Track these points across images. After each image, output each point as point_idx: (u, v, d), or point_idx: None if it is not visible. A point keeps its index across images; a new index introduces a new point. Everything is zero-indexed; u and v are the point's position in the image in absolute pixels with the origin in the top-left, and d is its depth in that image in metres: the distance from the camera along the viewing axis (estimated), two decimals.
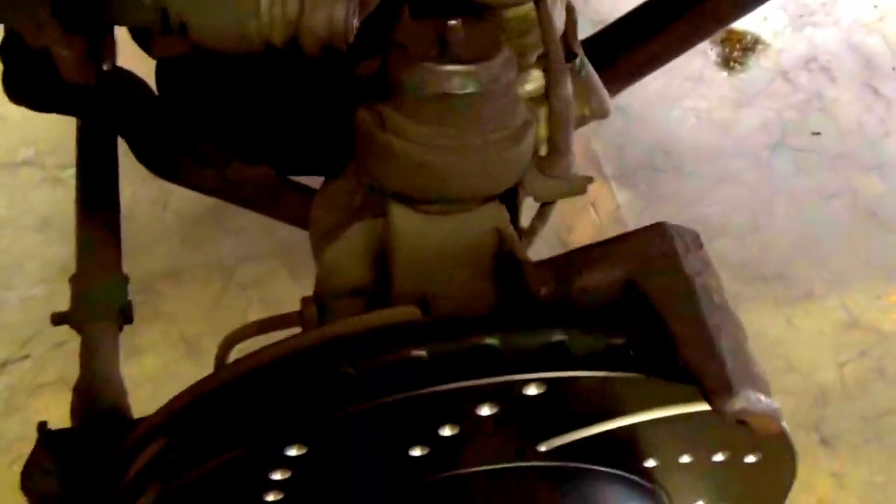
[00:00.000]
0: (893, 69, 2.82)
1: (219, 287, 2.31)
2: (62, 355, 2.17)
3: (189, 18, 0.83)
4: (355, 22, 0.84)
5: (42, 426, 1.06)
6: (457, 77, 0.84)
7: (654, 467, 0.87)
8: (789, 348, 2.17)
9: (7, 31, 1.08)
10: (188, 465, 0.78)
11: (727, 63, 2.87)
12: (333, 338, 0.80)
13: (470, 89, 0.84)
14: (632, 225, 2.37)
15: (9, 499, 1.94)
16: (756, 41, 2.90)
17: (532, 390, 0.74)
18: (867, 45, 2.90)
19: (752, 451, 0.88)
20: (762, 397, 0.72)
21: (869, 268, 2.35)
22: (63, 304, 2.31)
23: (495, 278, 0.91)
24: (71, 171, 2.60)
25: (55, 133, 2.63)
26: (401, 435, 0.77)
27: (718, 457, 0.88)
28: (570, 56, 1.04)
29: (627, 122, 2.59)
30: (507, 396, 0.75)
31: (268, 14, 0.82)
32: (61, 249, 2.40)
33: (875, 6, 2.94)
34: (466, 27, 0.84)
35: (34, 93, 1.17)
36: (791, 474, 0.94)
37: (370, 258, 0.97)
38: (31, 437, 2.03)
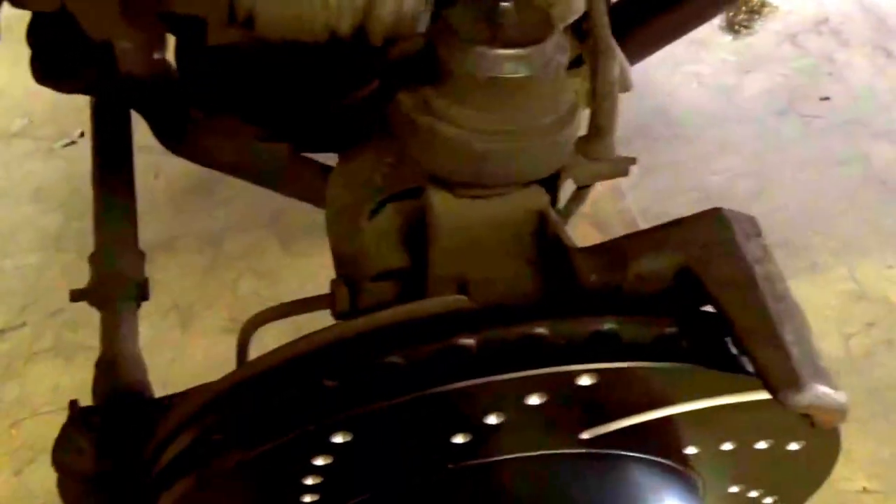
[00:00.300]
0: None
1: (210, 257, 2.28)
2: (58, 323, 2.17)
3: (257, 9, 0.82)
4: (422, 9, 0.83)
5: (73, 404, 1.05)
6: (509, 61, 0.80)
7: (694, 454, 0.84)
8: None
9: (34, 15, 1.07)
10: (233, 450, 0.76)
11: (732, 27, 2.77)
12: (382, 326, 0.78)
13: (522, 73, 0.80)
14: (629, 194, 2.31)
15: (7, 463, 1.95)
16: (763, 3, 2.80)
17: (585, 380, 0.72)
18: (881, 7, 2.80)
19: (796, 439, 0.85)
20: (830, 391, 0.68)
21: (878, 237, 2.25)
22: (57, 272, 2.32)
23: (537, 263, 0.88)
24: (63, 142, 2.62)
25: (49, 105, 2.62)
26: (446, 423, 0.74)
27: (761, 444, 0.85)
28: None
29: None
30: (559, 386, 0.72)
31: (336, 4, 0.81)
32: (55, 219, 2.41)
33: None
34: (517, 9, 0.81)
35: (60, 75, 1.16)
36: (831, 462, 0.91)
37: (401, 240, 0.95)
38: (29, 402, 2.05)
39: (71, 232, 2.36)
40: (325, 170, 1.18)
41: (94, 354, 1.75)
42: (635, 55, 1.49)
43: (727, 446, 0.84)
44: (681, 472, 0.85)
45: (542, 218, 0.89)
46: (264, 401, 0.76)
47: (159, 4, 0.86)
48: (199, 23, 0.92)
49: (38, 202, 2.45)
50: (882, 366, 2.03)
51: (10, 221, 2.41)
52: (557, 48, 0.83)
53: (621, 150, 0.97)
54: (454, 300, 0.80)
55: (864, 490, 1.85)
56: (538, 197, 0.90)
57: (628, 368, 0.72)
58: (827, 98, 2.59)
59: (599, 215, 2.17)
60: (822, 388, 0.68)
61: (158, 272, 2.28)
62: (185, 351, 2.10)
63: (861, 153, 2.44)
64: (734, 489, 0.92)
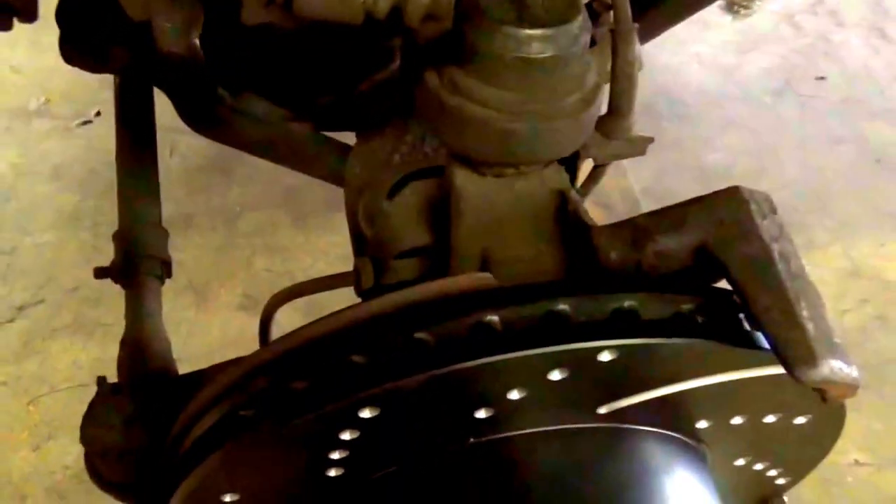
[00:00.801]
0: None
1: (224, 234, 2.26)
2: (76, 300, 2.15)
3: None
4: None
5: (102, 380, 1.04)
6: (536, 41, 0.79)
7: (704, 428, 0.84)
8: None
9: None
10: (263, 424, 0.75)
11: (732, 7, 2.74)
12: (410, 304, 0.77)
13: (548, 53, 0.79)
14: (632, 172, 2.29)
15: (26, 439, 1.94)
16: None
17: (606, 356, 0.71)
18: None
19: (803, 413, 0.85)
20: (844, 366, 0.68)
21: (874, 215, 2.24)
22: (75, 250, 2.31)
23: (558, 241, 0.87)
24: (80, 121, 2.59)
25: (66, 84, 2.59)
26: (469, 398, 0.74)
27: (770, 418, 0.84)
28: (607, 7, 0.98)
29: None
30: (581, 362, 0.72)
31: None
32: (72, 197, 2.38)
33: None
34: None
35: (90, 55, 1.15)
36: (835, 435, 0.91)
37: (424, 218, 0.94)
38: (47, 379, 2.04)
39: (88, 210, 2.34)
40: (345, 149, 1.16)
41: (113, 331, 1.74)
42: (647, 35, 1.48)
43: (737, 420, 0.84)
44: (691, 446, 0.84)
45: (562, 197, 0.89)
46: (294, 376, 0.75)
47: None
48: (230, 2, 0.91)
49: (56, 181, 2.42)
50: (875, 341, 2.02)
51: (29, 200, 2.38)
52: (582, 28, 0.81)
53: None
54: (479, 277, 0.79)
55: (857, 462, 1.85)
56: (559, 176, 0.89)
57: (648, 344, 0.72)
58: (823, 78, 2.56)
59: (603, 194, 2.16)
60: (837, 364, 0.67)
61: (173, 250, 2.24)
62: (200, 327, 2.08)
63: (857, 132, 2.42)
64: (741, 462, 0.92)
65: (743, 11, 2.77)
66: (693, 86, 2.55)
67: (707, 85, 2.56)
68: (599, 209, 2.06)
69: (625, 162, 2.36)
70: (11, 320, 2.14)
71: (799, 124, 2.45)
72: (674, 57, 2.61)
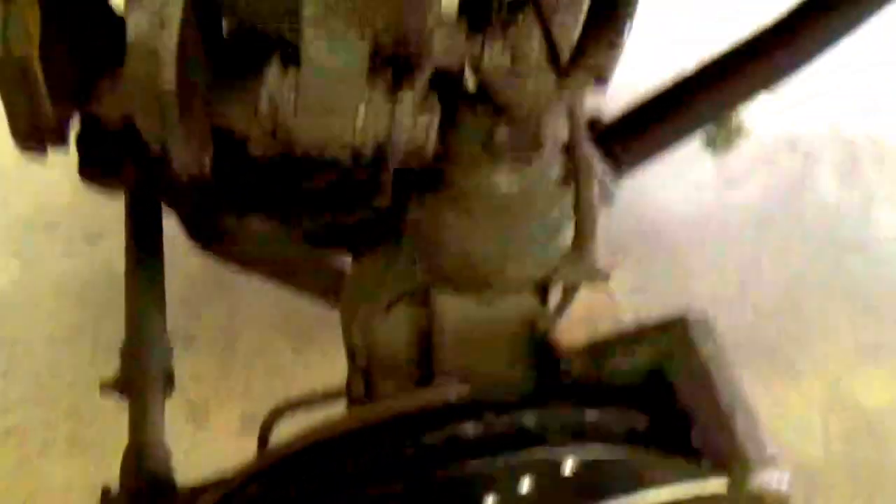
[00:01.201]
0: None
1: (223, 354, 2.28)
2: (72, 419, 2.15)
3: (299, 135, 0.86)
4: (434, 133, 0.87)
5: (106, 492, 1.08)
6: (506, 177, 0.87)
7: None
8: (777, 426, 2.11)
9: (83, 123, 1.12)
10: None
11: (713, 145, 2.89)
12: (392, 415, 0.85)
13: (516, 189, 0.88)
14: (622, 300, 2.35)
15: None
16: (740, 126, 2.88)
17: (568, 465, 0.78)
18: (849, 131, 2.88)
19: None
20: (775, 476, 0.76)
21: (853, 348, 2.31)
22: (72, 368, 2.33)
23: (530, 359, 0.95)
24: (83, 237, 2.63)
25: (69, 200, 2.59)
26: None
27: None
28: None
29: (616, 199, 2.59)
30: (546, 472, 0.79)
31: (362, 129, 0.85)
32: (73, 316, 2.40)
33: (860, 91, 2.92)
34: (512, 129, 0.87)
35: (106, 177, 1.21)
36: None
37: (412, 336, 1.01)
38: (41, 499, 2.04)
39: (87, 328, 2.35)
40: (341, 271, 1.23)
41: (108, 452, 1.72)
42: (631, 165, 1.58)
43: None
44: None
45: (534, 318, 0.97)
46: (287, 484, 0.81)
47: (211, 120, 0.92)
48: (237, 136, 0.98)
49: (58, 299, 2.44)
50: (861, 467, 2.06)
51: (27, 315, 2.40)
52: (548, 165, 0.90)
53: (620, 254, 1.05)
54: (457, 390, 0.86)
55: None
56: (532, 299, 0.98)
57: (605, 457, 0.80)
58: (800, 214, 2.66)
59: (594, 319, 2.21)
60: (769, 473, 0.76)
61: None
62: (198, 448, 2.08)
63: (834, 267, 2.50)
64: None
65: (724, 150, 2.89)
66: (677, 220, 2.64)
67: (691, 219, 2.65)
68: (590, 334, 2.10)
69: (614, 289, 2.42)
70: (6, 437, 2.13)
71: (780, 259, 2.53)
72: (658, 191, 2.71)
